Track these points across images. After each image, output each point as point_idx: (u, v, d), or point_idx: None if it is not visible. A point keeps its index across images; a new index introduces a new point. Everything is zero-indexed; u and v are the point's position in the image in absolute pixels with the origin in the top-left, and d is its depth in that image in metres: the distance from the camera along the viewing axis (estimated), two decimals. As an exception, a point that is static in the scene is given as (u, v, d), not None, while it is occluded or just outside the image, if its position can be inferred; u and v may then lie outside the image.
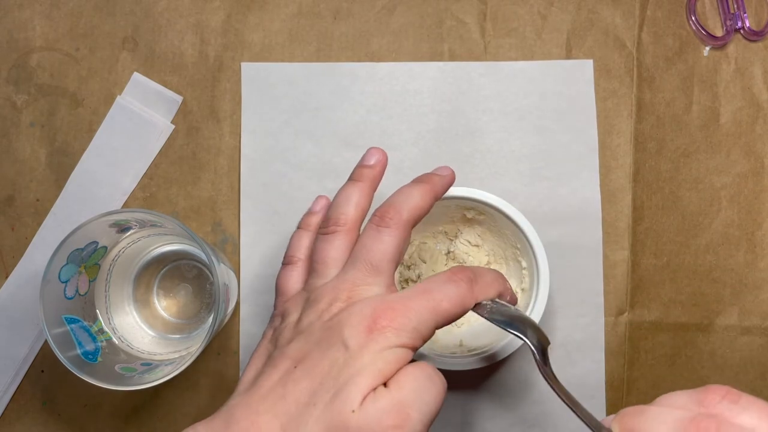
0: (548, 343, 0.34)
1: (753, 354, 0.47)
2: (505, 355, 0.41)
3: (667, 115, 0.47)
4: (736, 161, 0.47)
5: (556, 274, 0.45)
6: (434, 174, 0.37)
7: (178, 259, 0.46)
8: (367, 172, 0.37)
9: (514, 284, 0.45)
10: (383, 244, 0.33)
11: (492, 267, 0.46)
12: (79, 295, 0.40)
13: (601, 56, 0.48)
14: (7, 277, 0.47)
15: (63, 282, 0.39)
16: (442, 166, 0.38)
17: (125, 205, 0.47)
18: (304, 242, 0.37)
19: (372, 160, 0.37)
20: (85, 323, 0.41)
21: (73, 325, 0.39)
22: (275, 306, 0.36)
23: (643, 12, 0.48)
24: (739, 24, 0.47)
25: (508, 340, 0.41)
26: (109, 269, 0.43)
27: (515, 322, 0.34)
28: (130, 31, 0.48)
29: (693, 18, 0.48)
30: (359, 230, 0.35)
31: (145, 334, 0.45)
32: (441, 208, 0.44)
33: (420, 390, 0.29)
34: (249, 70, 0.48)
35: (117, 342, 0.42)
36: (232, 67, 0.48)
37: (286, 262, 0.37)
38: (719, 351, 0.47)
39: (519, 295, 0.44)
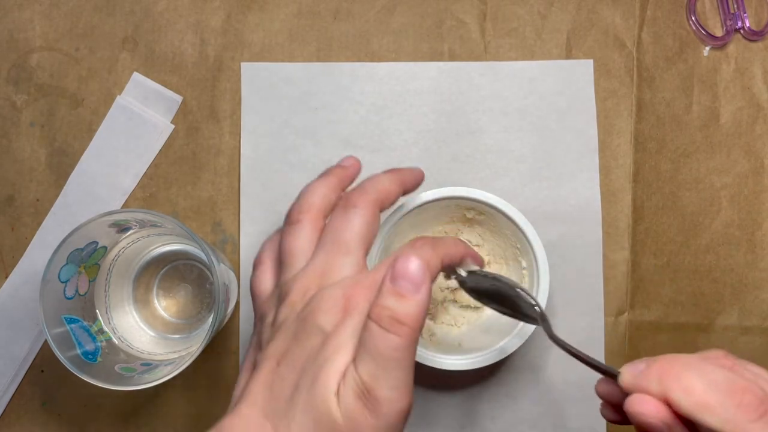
0: (542, 313, 0.36)
1: (753, 354, 0.47)
2: (505, 355, 0.41)
3: (667, 115, 0.47)
4: (736, 161, 0.47)
5: (556, 274, 0.45)
6: (404, 168, 0.38)
7: (178, 259, 0.46)
8: (337, 170, 0.37)
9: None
10: (351, 222, 0.32)
11: (492, 267, 0.46)
12: (79, 295, 0.40)
13: (601, 56, 0.48)
14: (7, 277, 0.47)
15: (63, 282, 0.39)
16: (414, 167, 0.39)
17: (125, 205, 0.47)
18: (273, 243, 0.36)
19: (346, 163, 0.38)
20: (85, 323, 0.41)
21: (72, 325, 0.39)
22: (254, 311, 0.35)
23: (643, 12, 0.48)
24: (739, 24, 0.47)
25: (508, 341, 0.41)
26: (109, 269, 0.43)
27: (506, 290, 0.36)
28: (130, 31, 0.48)
29: (693, 18, 0.48)
30: (325, 220, 0.34)
31: (145, 334, 0.45)
32: (441, 208, 0.44)
33: (384, 360, 0.28)
34: (249, 70, 0.48)
35: (117, 342, 0.42)
36: (232, 67, 0.48)
37: (254, 265, 0.36)
38: (719, 351, 0.47)
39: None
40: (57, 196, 0.47)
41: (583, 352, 0.31)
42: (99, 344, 0.40)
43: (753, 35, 0.47)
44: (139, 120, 0.47)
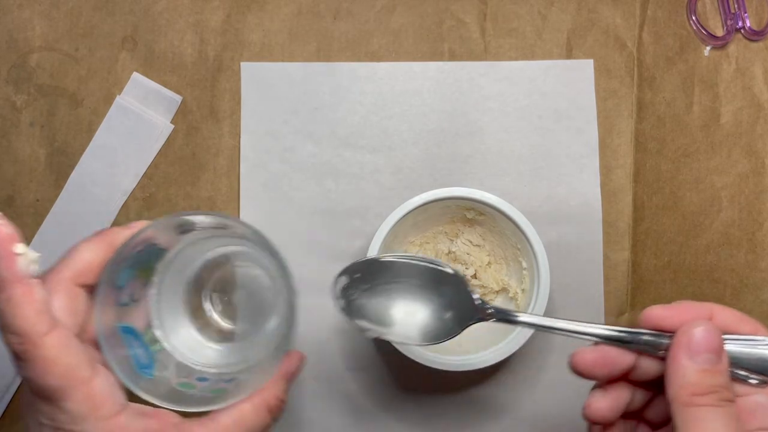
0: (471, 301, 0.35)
1: (754, 354, 0.46)
2: (505, 356, 0.41)
3: (667, 115, 0.47)
4: (736, 161, 0.47)
5: (557, 274, 0.45)
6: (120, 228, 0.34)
7: (237, 260, 0.41)
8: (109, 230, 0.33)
9: (514, 284, 0.45)
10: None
11: (492, 267, 0.46)
12: (133, 301, 0.36)
13: (602, 56, 0.48)
14: (6, 277, 0.47)
15: (119, 287, 0.34)
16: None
17: (125, 205, 0.47)
18: None
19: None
20: (139, 332, 0.36)
21: (127, 335, 0.34)
22: None
23: (643, 12, 0.48)
24: (740, 24, 0.47)
25: (509, 341, 0.41)
26: (163, 273, 0.37)
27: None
28: (129, 31, 0.48)
29: (693, 18, 0.47)
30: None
31: (201, 344, 0.40)
32: (441, 208, 0.44)
33: None
34: (248, 69, 0.47)
35: (171, 351, 0.37)
36: (231, 67, 0.48)
37: None
38: (720, 351, 0.47)
39: (519, 295, 0.44)
40: (57, 196, 0.47)
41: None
42: (153, 355, 0.36)
43: (754, 35, 0.47)
44: (138, 120, 0.47)
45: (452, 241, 0.46)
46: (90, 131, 0.47)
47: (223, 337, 0.41)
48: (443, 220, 0.46)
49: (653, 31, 0.48)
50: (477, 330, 0.45)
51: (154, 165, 0.47)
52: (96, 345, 0.31)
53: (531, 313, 0.32)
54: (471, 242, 0.46)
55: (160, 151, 0.47)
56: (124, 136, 0.47)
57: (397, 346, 0.41)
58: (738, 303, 0.47)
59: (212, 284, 0.41)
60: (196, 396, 0.34)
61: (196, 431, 0.31)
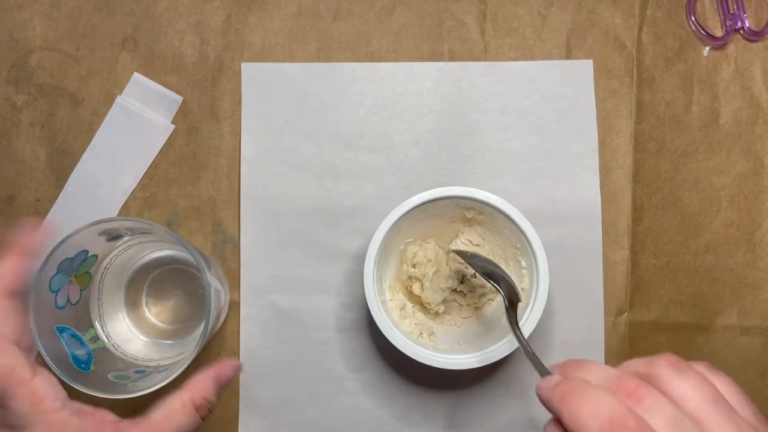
0: (518, 300, 0.41)
1: (753, 354, 0.47)
2: (504, 355, 0.41)
3: (667, 116, 0.48)
4: (735, 161, 0.47)
5: (556, 274, 0.45)
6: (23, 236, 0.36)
7: (170, 263, 0.46)
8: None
9: (514, 284, 0.45)
10: None
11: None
12: (71, 304, 0.40)
13: (601, 56, 0.48)
14: (7, 277, 0.47)
15: (54, 292, 0.38)
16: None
17: (125, 205, 0.47)
18: None
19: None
20: (77, 332, 0.40)
21: (64, 335, 0.38)
22: None
23: (642, 12, 0.48)
24: (739, 24, 0.47)
25: (507, 341, 0.41)
26: (102, 277, 0.42)
27: (492, 273, 0.41)
28: (130, 31, 0.48)
29: (693, 18, 0.48)
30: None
31: (139, 340, 0.45)
32: (441, 208, 0.44)
33: None
34: (249, 70, 0.48)
35: (111, 349, 0.42)
36: (232, 68, 0.48)
37: None
38: (719, 351, 0.47)
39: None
40: (57, 196, 0.47)
41: (531, 352, 0.35)
42: (91, 352, 0.40)
43: (753, 35, 0.48)
44: (139, 120, 0.47)
45: (452, 240, 0.46)
46: (90, 131, 0.47)
47: (161, 334, 0.45)
48: (443, 220, 0.46)
49: (652, 32, 0.48)
50: (477, 329, 0.46)
51: (154, 165, 0.47)
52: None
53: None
54: (471, 242, 0.46)
55: (160, 151, 0.47)
56: (125, 136, 0.47)
57: (399, 347, 0.41)
58: (737, 302, 0.47)
59: (151, 286, 0.46)
60: (128, 385, 0.37)
61: (131, 429, 0.34)
